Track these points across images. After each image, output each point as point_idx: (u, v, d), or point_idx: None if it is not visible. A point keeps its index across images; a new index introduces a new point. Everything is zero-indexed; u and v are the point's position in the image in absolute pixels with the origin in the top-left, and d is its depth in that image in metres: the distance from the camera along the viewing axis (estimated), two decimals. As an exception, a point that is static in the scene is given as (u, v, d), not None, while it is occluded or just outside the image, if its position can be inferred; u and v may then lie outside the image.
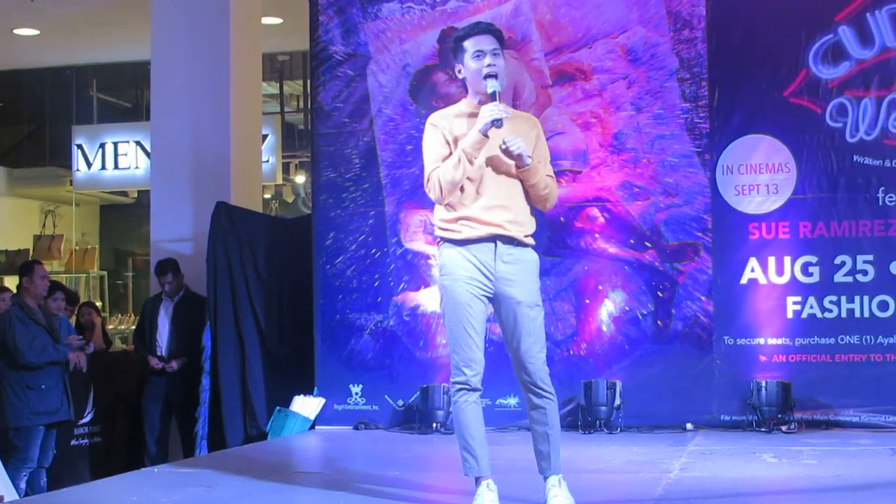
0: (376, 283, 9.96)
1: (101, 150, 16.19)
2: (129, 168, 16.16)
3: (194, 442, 9.74)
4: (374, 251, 9.99)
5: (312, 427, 9.75)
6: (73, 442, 9.76)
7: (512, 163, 5.43)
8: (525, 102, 9.72)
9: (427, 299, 9.81)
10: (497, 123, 5.30)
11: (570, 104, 9.66)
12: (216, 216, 10.03)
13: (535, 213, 5.62)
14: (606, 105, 9.57)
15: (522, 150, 5.36)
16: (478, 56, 5.46)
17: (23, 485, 8.54)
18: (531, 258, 5.55)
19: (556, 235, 9.57)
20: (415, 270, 9.90)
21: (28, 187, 17.37)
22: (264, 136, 13.79)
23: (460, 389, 5.58)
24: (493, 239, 5.45)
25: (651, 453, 7.77)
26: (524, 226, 5.51)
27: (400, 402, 9.77)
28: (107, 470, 8.79)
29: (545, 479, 5.60)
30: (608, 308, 9.47)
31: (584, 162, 9.56)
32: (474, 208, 5.46)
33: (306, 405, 9.72)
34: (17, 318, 8.92)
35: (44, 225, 17.40)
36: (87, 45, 15.05)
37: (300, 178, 17.44)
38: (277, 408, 9.71)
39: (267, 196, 16.04)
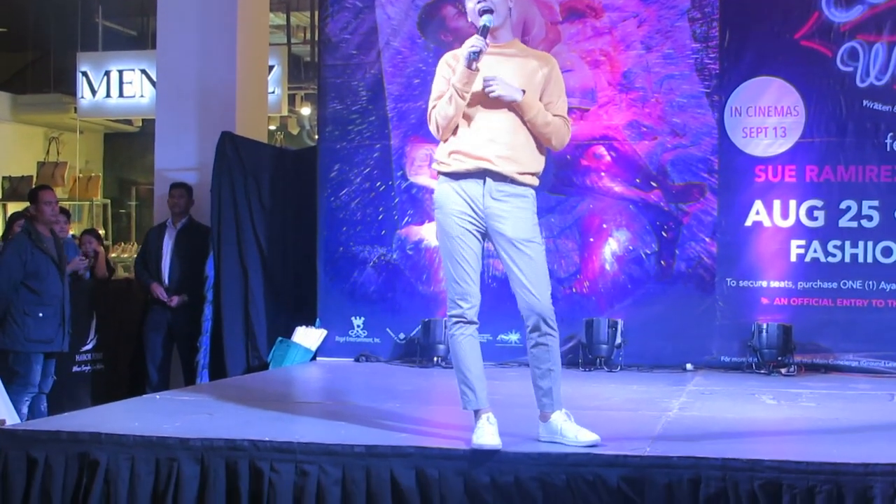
0: (380, 217, 9.96)
1: (105, 77, 16.13)
2: (133, 96, 16.11)
3: (195, 371, 9.76)
4: (378, 184, 9.97)
5: (314, 358, 9.79)
6: (75, 369, 9.79)
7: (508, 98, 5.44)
8: (534, 39, 9.65)
9: (430, 233, 9.79)
10: (473, 55, 5.33)
11: (579, 41, 9.61)
12: (221, 146, 9.99)
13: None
14: (616, 43, 9.52)
15: (500, 93, 5.39)
16: None
17: (25, 409, 8.57)
18: (525, 194, 5.54)
19: (561, 173, 9.54)
20: (419, 204, 9.88)
21: (32, 114, 17.33)
22: (270, 68, 13.73)
23: (457, 322, 5.67)
24: (482, 174, 5.48)
25: (650, 392, 7.80)
26: (519, 163, 5.50)
27: (401, 336, 9.79)
28: (108, 397, 8.80)
29: (549, 414, 5.63)
30: (612, 247, 9.47)
31: (592, 100, 9.52)
32: (466, 142, 5.51)
33: (308, 336, 9.75)
34: (14, 244, 8.91)
35: (47, 152, 17.38)
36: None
37: (305, 110, 17.40)
38: (279, 338, 9.74)
39: (272, 127, 16.01)
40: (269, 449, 5.47)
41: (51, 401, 9.03)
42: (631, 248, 9.42)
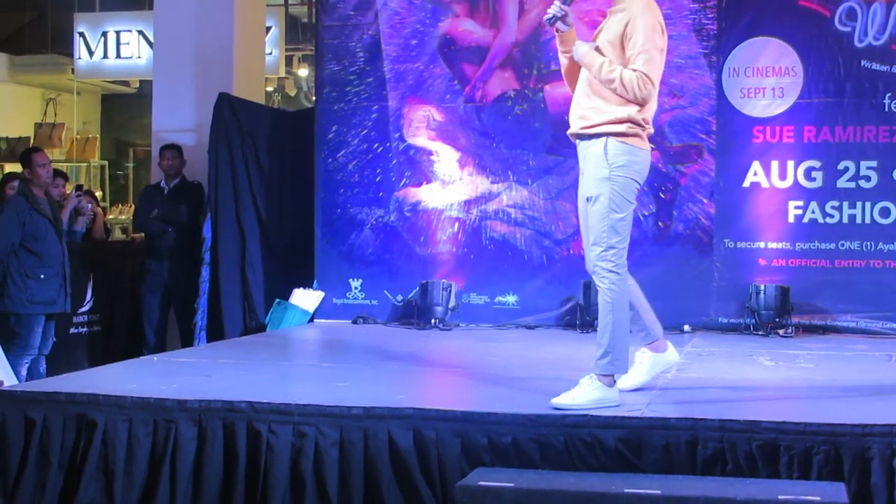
0: (378, 178, 9.94)
1: (102, 38, 16.05)
2: (130, 57, 16.03)
3: (193, 332, 9.77)
4: (376, 146, 9.95)
5: (311, 320, 9.79)
6: (73, 330, 9.78)
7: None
8: (532, 0, 9.63)
9: (428, 195, 9.80)
10: (549, 21, 5.62)
11: (577, 2, 9.50)
12: (218, 107, 9.97)
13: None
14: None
15: (576, 56, 5.67)
16: None
17: (24, 371, 8.57)
18: (593, 150, 5.67)
19: (559, 134, 9.49)
20: (417, 166, 9.87)
21: (29, 74, 17.25)
22: (267, 29, 13.66)
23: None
24: (573, 137, 5.82)
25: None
26: (590, 118, 5.66)
27: (399, 298, 9.80)
28: (105, 359, 8.82)
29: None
30: (609, 208, 9.43)
31: (590, 61, 9.46)
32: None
33: (306, 298, 9.75)
34: (12, 207, 8.90)
35: (45, 113, 17.32)
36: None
37: (303, 72, 17.32)
38: (277, 300, 9.75)
39: (269, 89, 15.94)
40: (266, 411, 5.48)
41: (49, 362, 9.03)
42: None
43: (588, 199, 5.68)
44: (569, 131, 5.82)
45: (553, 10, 5.59)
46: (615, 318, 5.63)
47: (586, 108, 5.68)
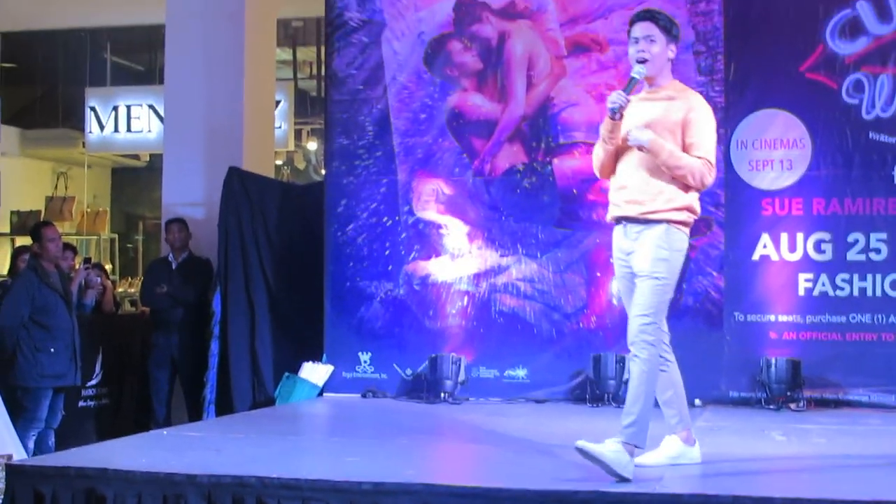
0: (387, 252, 9.95)
1: (113, 112, 16.20)
2: (141, 131, 16.17)
3: (202, 406, 9.75)
4: (385, 219, 9.97)
5: (320, 394, 9.75)
6: (81, 404, 9.77)
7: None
8: (539, 73, 9.70)
9: (437, 269, 9.80)
10: (613, 111, 5.71)
11: (584, 75, 9.62)
12: (228, 181, 10.02)
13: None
14: (621, 77, 9.47)
15: (636, 140, 5.72)
16: (633, 42, 5.88)
17: (31, 444, 8.55)
18: (651, 234, 5.76)
19: (567, 207, 9.55)
20: (426, 240, 9.88)
21: (40, 148, 17.37)
22: (277, 103, 13.76)
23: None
24: (620, 219, 5.88)
25: (659, 428, 7.67)
26: (647, 203, 5.76)
27: (408, 371, 9.76)
28: (114, 432, 8.79)
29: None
30: (619, 281, 9.43)
31: (598, 134, 9.48)
32: (612, 190, 5.96)
33: (315, 372, 9.72)
34: (21, 281, 8.92)
35: (56, 186, 17.42)
36: (102, 7, 15.01)
37: (312, 145, 17.44)
38: (286, 374, 9.71)
39: (278, 162, 16.03)
40: (276, 486, 5.45)
41: (57, 436, 9.01)
42: (638, 282, 9.38)
43: (641, 275, 5.76)
44: (615, 215, 5.91)
45: (619, 101, 5.69)
46: (648, 390, 5.75)
47: (644, 192, 5.77)
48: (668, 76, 5.95)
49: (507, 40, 9.81)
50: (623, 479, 5.40)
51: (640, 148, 5.72)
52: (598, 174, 6.09)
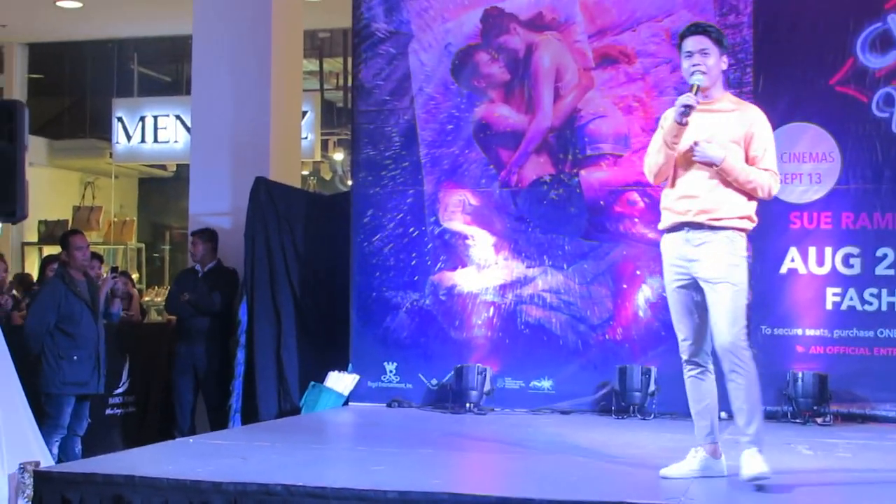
0: (413, 262, 9.96)
1: (140, 123, 16.27)
2: (168, 142, 16.24)
3: (227, 415, 9.76)
4: (411, 230, 9.98)
5: (346, 403, 9.76)
6: (108, 411, 9.80)
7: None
8: (567, 85, 9.70)
9: (463, 279, 9.80)
10: (685, 111, 5.72)
11: (612, 87, 9.61)
12: (255, 191, 10.05)
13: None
14: (649, 89, 9.51)
15: (707, 157, 5.75)
16: (687, 56, 5.90)
17: (55, 450, 8.58)
18: (718, 240, 5.82)
19: (594, 219, 9.54)
20: (452, 250, 9.88)
21: (68, 159, 17.46)
22: (303, 113, 13.80)
23: (685, 363, 6.09)
24: (681, 226, 5.89)
25: (684, 441, 7.66)
26: (714, 212, 5.82)
27: (434, 381, 9.76)
28: (140, 440, 8.82)
29: (743, 450, 5.82)
30: (645, 293, 9.42)
31: (626, 146, 9.51)
32: (671, 198, 5.96)
33: (340, 381, 9.73)
34: (48, 289, 8.96)
35: (83, 196, 17.50)
36: (129, 18, 15.08)
37: (338, 156, 17.48)
38: (312, 383, 9.73)
39: (305, 173, 16.07)
40: (302, 494, 5.46)
41: (84, 443, 9.05)
42: (664, 294, 9.27)
43: (716, 282, 5.78)
44: (677, 222, 5.92)
45: (691, 101, 5.72)
46: (758, 392, 5.84)
47: (712, 200, 5.81)
48: (720, 88, 6.01)
49: (535, 52, 9.82)
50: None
51: (711, 165, 5.76)
52: (652, 179, 6.08)
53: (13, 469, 7.07)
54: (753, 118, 5.94)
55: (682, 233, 5.89)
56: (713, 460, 6.04)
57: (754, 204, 5.91)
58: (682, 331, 6.02)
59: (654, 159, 5.99)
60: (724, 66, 5.98)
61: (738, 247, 5.83)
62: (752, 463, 5.66)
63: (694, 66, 5.84)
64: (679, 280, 5.95)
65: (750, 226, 5.90)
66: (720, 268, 5.78)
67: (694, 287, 5.89)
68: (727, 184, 5.81)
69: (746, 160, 5.85)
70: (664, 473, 5.87)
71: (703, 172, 5.83)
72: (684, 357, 6.03)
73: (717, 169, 5.76)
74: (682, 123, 5.77)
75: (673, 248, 5.97)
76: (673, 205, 5.94)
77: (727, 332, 5.75)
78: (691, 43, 5.89)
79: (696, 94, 5.77)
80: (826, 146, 9.08)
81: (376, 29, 10.20)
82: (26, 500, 6.66)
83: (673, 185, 5.95)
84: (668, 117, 5.93)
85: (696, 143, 5.77)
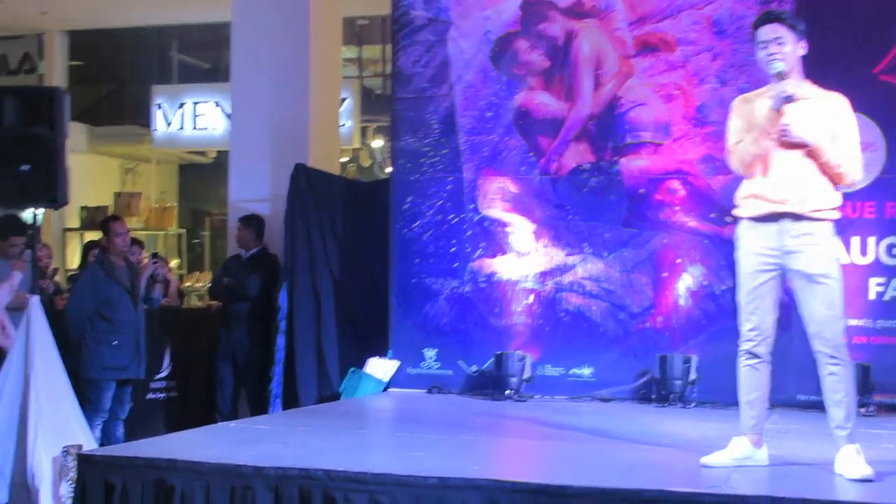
0: (453, 249, 9.96)
1: (180, 109, 16.32)
2: (207, 128, 16.28)
3: (268, 400, 9.81)
4: (451, 216, 9.98)
5: (385, 389, 9.78)
6: (150, 396, 9.88)
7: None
8: (607, 72, 9.67)
9: (503, 266, 9.79)
10: (786, 99, 5.65)
11: (652, 75, 9.57)
12: (295, 178, 10.08)
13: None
14: (690, 77, 9.47)
15: (800, 137, 5.68)
16: (762, 46, 5.82)
17: (97, 433, 8.65)
18: (818, 231, 5.75)
19: (635, 207, 9.51)
20: (491, 237, 9.88)
21: (108, 145, 17.54)
22: (342, 100, 13.82)
23: (743, 353, 6.12)
24: (776, 216, 5.77)
25: (725, 429, 7.64)
26: (811, 202, 5.73)
27: (473, 368, 9.76)
28: (181, 425, 8.85)
29: (840, 447, 5.84)
30: (686, 282, 9.39)
31: (666, 134, 9.48)
32: (761, 186, 5.84)
33: (380, 367, 9.75)
34: (87, 274, 9.02)
35: (123, 182, 17.59)
36: (169, 5, 15.12)
37: (377, 143, 17.50)
38: (351, 369, 9.75)
39: (344, 160, 16.09)
40: (342, 479, 5.47)
41: (126, 427, 9.11)
42: (705, 283, 9.33)
43: (819, 277, 5.73)
44: (771, 211, 5.80)
45: (793, 90, 5.67)
46: (854, 386, 5.91)
47: (809, 189, 5.75)
48: (799, 75, 5.89)
49: (575, 39, 9.79)
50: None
51: (803, 145, 5.69)
52: (742, 171, 5.95)
53: (57, 452, 7.15)
54: (837, 105, 5.88)
55: (777, 223, 5.78)
56: (755, 449, 6.02)
57: (840, 194, 5.85)
58: (753, 321, 5.98)
59: (747, 149, 5.85)
60: (803, 52, 5.87)
61: (833, 237, 5.82)
62: (857, 465, 5.66)
63: (770, 55, 5.77)
64: (765, 270, 5.86)
65: (839, 216, 5.85)
66: (823, 262, 5.74)
67: (779, 279, 5.86)
68: (818, 170, 5.73)
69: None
70: (705, 461, 5.86)
71: (795, 158, 5.75)
72: (746, 347, 6.02)
73: (809, 150, 5.70)
74: (779, 112, 5.70)
75: (762, 237, 5.83)
76: (767, 193, 5.80)
77: (833, 327, 5.77)
78: (765, 32, 5.82)
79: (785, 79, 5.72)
80: (870, 135, 8.98)
81: (415, 16, 10.19)
82: (69, 482, 6.72)
83: (765, 172, 5.84)
84: (743, 106, 5.95)
85: (786, 124, 5.68)
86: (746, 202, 5.92)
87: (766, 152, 5.79)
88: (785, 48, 5.76)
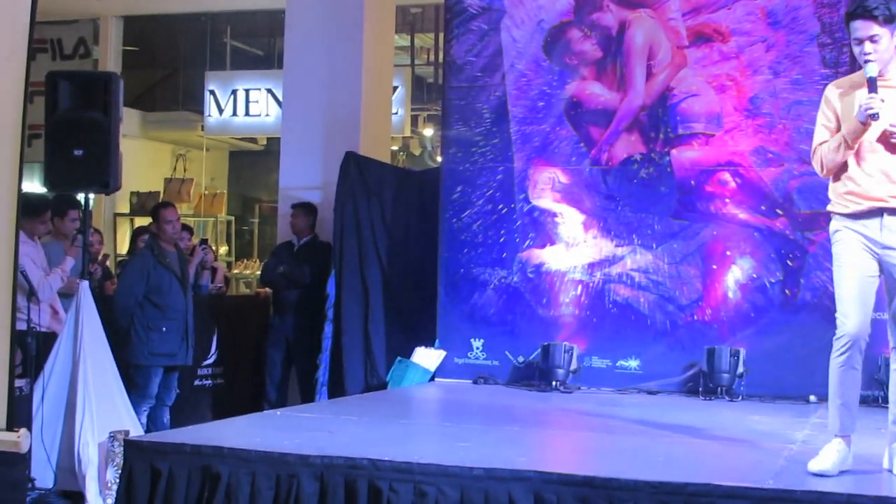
0: (502, 239, 9.94)
1: (232, 96, 16.37)
2: (259, 115, 16.32)
3: (314, 388, 9.84)
4: (500, 206, 9.96)
5: (432, 379, 9.78)
6: (197, 382, 9.92)
7: None
8: (660, 63, 9.62)
9: (551, 257, 9.77)
10: (871, 116, 5.39)
11: (705, 66, 9.52)
12: (345, 166, 10.09)
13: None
14: (743, 68, 9.41)
15: (874, 110, 5.38)
16: (856, 43, 5.52)
17: (143, 419, 8.70)
18: None
19: (685, 198, 9.47)
20: (541, 228, 9.85)
21: (160, 131, 17.63)
22: (394, 89, 13.82)
23: (836, 349, 5.93)
24: (878, 212, 5.55)
25: (773, 423, 7.66)
26: None
27: (520, 359, 9.75)
28: (228, 412, 8.90)
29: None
30: (735, 274, 9.34)
31: (718, 125, 9.42)
32: (861, 184, 5.58)
33: (427, 357, 9.75)
34: (137, 260, 9.08)
35: (174, 168, 17.67)
36: (223, -9, 15.22)
37: (428, 132, 17.49)
38: (398, 358, 9.76)
39: (394, 148, 16.10)
40: (388, 468, 5.47)
41: (172, 413, 9.16)
42: (755, 276, 9.27)
43: None
44: (875, 207, 5.56)
45: (877, 106, 5.40)
46: None
47: None
48: (894, 63, 5.59)
49: (628, 29, 9.75)
50: None
51: None
52: (824, 173, 5.72)
53: (104, 438, 7.22)
54: None
55: (878, 219, 5.56)
56: (849, 452, 5.80)
57: None
58: (849, 315, 5.81)
59: (832, 157, 5.62)
60: (893, 40, 5.52)
61: None
62: None
63: (864, 54, 5.48)
64: (865, 265, 5.69)
65: None
66: None
67: (877, 274, 5.71)
68: None
69: None
70: (814, 469, 5.59)
71: (891, 154, 5.52)
72: (848, 345, 5.84)
73: None
74: (865, 124, 5.46)
75: (864, 232, 5.61)
76: (866, 191, 5.56)
77: None
78: (857, 27, 5.51)
79: (874, 87, 5.42)
80: None
81: (469, 5, 10.18)
82: (116, 468, 6.78)
83: (860, 167, 5.59)
84: (833, 98, 5.68)
85: (893, 125, 5.44)
86: (845, 200, 5.68)
87: (858, 151, 5.58)
88: (880, 45, 5.46)
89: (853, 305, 5.76)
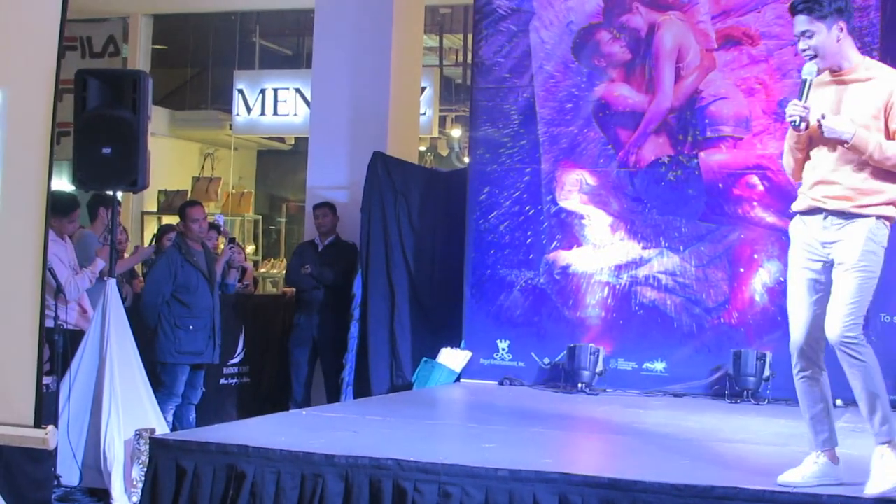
0: (528, 240, 9.94)
1: (261, 95, 16.38)
2: (287, 115, 16.32)
3: (340, 388, 9.85)
4: (528, 208, 9.96)
5: (458, 380, 9.79)
6: (223, 381, 9.94)
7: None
8: (689, 65, 9.61)
9: (578, 259, 9.76)
10: (794, 125, 5.25)
11: (734, 69, 9.50)
12: (373, 166, 10.10)
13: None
14: (772, 71, 9.39)
15: (834, 133, 5.19)
16: (797, 39, 5.37)
17: (169, 418, 8.72)
18: (856, 228, 5.26)
19: (712, 201, 9.45)
20: (568, 229, 9.85)
21: (189, 129, 17.67)
22: (422, 89, 13.82)
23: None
24: (818, 210, 5.34)
25: (798, 427, 7.51)
26: (852, 199, 5.27)
27: (546, 360, 9.74)
28: (253, 411, 8.94)
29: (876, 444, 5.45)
30: (762, 278, 9.32)
31: (747, 128, 9.41)
32: (806, 180, 5.41)
33: (453, 357, 9.76)
34: (165, 259, 9.11)
35: (202, 167, 17.71)
36: (253, -9, 15.25)
37: (456, 132, 17.49)
38: (424, 358, 9.78)
39: (422, 148, 16.10)
40: (413, 469, 5.48)
41: (198, 412, 9.18)
42: (782, 279, 9.21)
43: (846, 268, 5.25)
44: (813, 206, 5.35)
45: (797, 113, 5.23)
46: (879, 382, 5.43)
47: (850, 188, 5.26)
48: (850, 56, 5.35)
49: (657, 31, 9.74)
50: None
51: (841, 143, 5.22)
52: (791, 178, 5.59)
53: (129, 435, 7.25)
54: (894, 85, 5.26)
55: (818, 216, 5.34)
56: (833, 466, 5.60)
57: None
58: (795, 321, 5.42)
59: (786, 160, 5.56)
60: (842, 33, 5.28)
61: (880, 235, 5.28)
62: (886, 472, 5.30)
63: (802, 51, 5.33)
64: (810, 264, 5.37)
65: (895, 213, 5.32)
66: (854, 254, 5.23)
67: (825, 271, 5.34)
68: (864, 164, 5.23)
69: (887, 134, 5.20)
70: (782, 481, 5.42)
71: (837, 154, 5.28)
72: (794, 355, 5.43)
73: (848, 146, 5.20)
74: (799, 130, 5.29)
75: (807, 230, 5.38)
76: (808, 191, 5.38)
77: (836, 320, 5.23)
78: (795, 25, 5.34)
79: (804, 96, 5.23)
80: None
81: (498, 6, 10.19)
82: (141, 466, 6.82)
83: (809, 165, 5.40)
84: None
85: (822, 117, 5.21)
86: (798, 195, 5.47)
87: (804, 161, 5.42)
88: (814, 40, 5.25)
89: (791, 310, 5.47)
